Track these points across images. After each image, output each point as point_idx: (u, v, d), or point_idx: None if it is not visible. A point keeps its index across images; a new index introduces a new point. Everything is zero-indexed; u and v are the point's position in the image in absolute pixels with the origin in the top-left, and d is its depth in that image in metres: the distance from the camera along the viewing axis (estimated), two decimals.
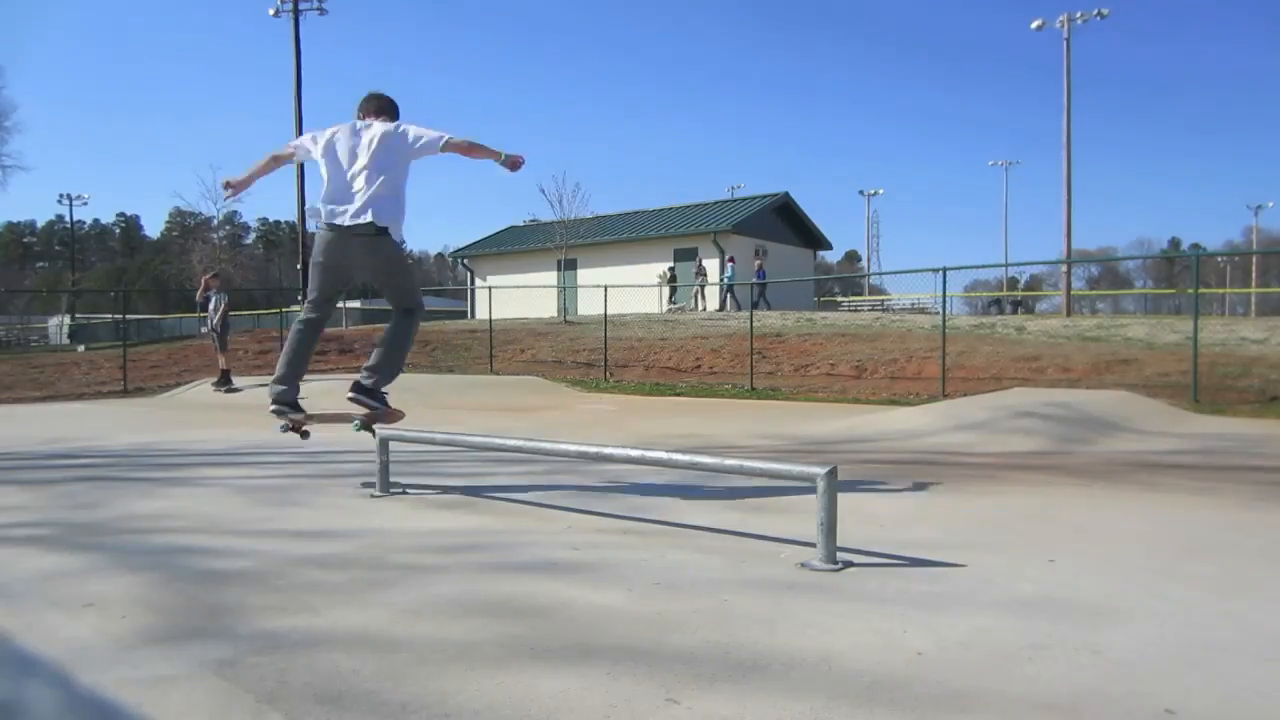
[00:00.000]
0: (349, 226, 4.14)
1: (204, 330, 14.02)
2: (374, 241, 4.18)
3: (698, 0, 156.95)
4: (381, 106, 4.51)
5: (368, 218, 4.11)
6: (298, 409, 4.37)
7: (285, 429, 4.40)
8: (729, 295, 25.72)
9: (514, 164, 4.37)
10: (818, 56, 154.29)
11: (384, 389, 4.43)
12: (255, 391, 13.37)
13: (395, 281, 4.40)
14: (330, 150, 4.28)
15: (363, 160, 4.21)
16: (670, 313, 24.03)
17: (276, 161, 4.55)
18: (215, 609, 2.33)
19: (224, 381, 13.20)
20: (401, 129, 4.31)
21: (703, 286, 26.42)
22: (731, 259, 25.70)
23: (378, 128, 4.31)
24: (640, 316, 21.98)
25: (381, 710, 1.67)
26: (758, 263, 26.34)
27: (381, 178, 4.18)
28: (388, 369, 4.41)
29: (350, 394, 4.41)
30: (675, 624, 2.20)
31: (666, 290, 26.11)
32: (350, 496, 4.15)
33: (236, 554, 2.95)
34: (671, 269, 26.91)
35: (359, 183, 4.19)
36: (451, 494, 4.22)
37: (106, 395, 13.95)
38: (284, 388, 4.33)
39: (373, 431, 4.31)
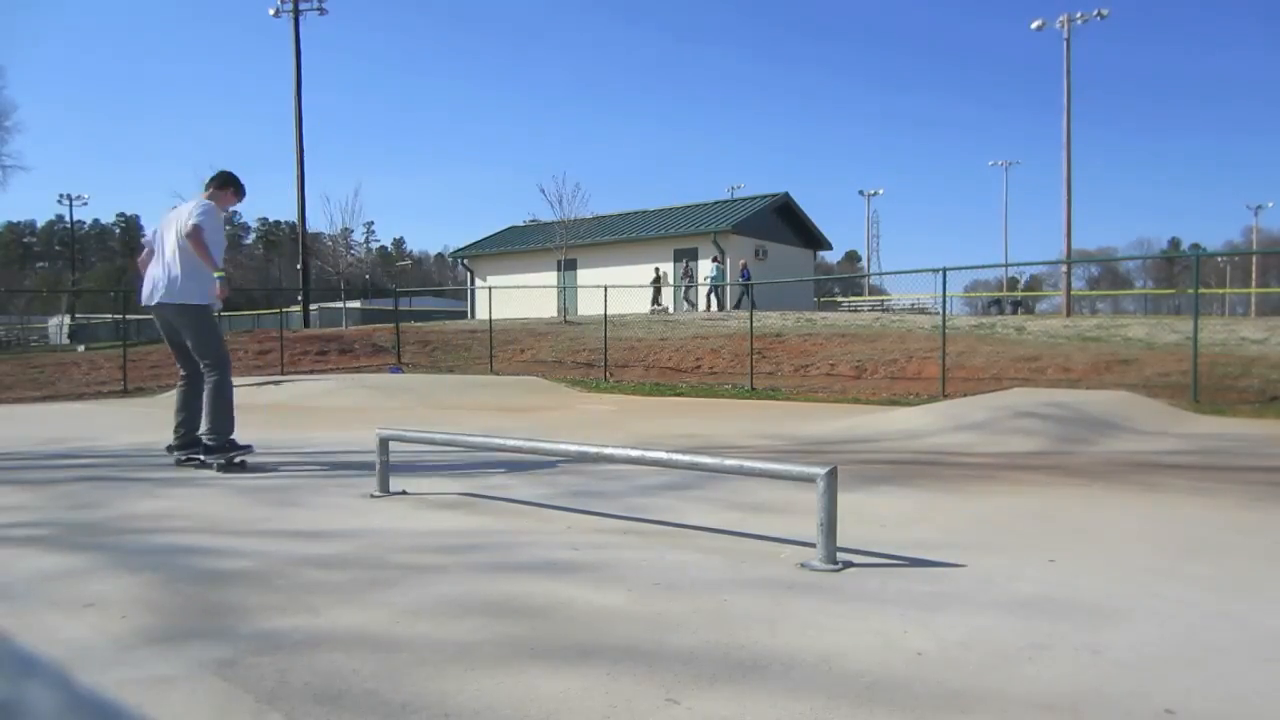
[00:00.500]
0: (156, 305, 5.05)
1: None
2: (175, 310, 5.03)
3: (698, 1, 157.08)
4: (212, 182, 5.25)
5: (164, 298, 5.01)
6: (195, 446, 5.12)
7: (180, 461, 5.19)
8: (712, 295, 25.79)
9: (220, 290, 4.96)
10: (817, 56, 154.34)
11: (229, 437, 5.06)
12: (250, 391, 13.36)
13: (198, 343, 5.08)
14: (158, 235, 5.14)
15: (169, 244, 5.04)
16: (653, 314, 24.06)
17: (145, 265, 5.21)
18: (215, 609, 2.33)
19: None
20: (189, 210, 4.96)
21: (688, 288, 26.43)
22: (715, 259, 25.75)
23: (182, 210, 5.03)
24: (640, 317, 22.01)
25: (381, 710, 1.67)
26: (742, 262, 26.37)
27: (178, 259, 4.98)
28: (221, 423, 5.03)
29: (203, 457, 5.06)
30: (675, 624, 2.20)
31: (650, 292, 26.13)
32: (350, 496, 4.15)
33: (236, 554, 2.95)
34: (657, 270, 26.89)
35: (162, 264, 5.04)
36: (451, 494, 4.22)
37: (106, 395, 13.96)
38: (184, 431, 5.17)
39: (240, 465, 5.05)
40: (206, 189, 5.21)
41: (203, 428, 5.03)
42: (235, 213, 65.94)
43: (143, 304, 5.13)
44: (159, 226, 5.18)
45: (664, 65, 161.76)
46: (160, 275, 5.03)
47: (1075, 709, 1.69)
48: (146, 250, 5.20)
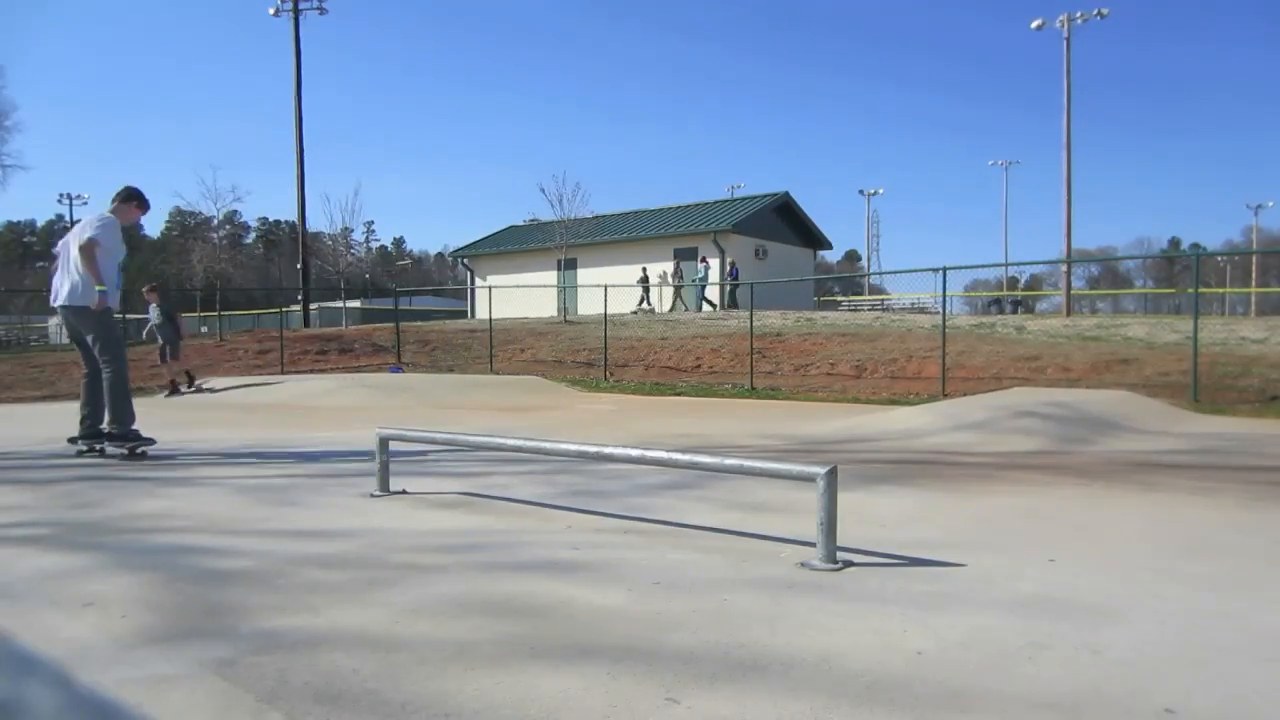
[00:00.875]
0: (60, 306, 5.50)
1: (145, 336, 14.29)
2: (76, 311, 5.46)
3: (699, 1, 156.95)
4: (117, 196, 5.66)
5: (66, 301, 5.43)
6: (98, 437, 5.58)
7: (81, 451, 5.60)
8: (704, 296, 25.64)
9: (99, 301, 5.32)
10: (818, 56, 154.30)
11: (131, 427, 5.49)
12: (250, 390, 13.37)
13: (98, 340, 5.48)
14: (65, 243, 5.58)
15: (72, 252, 5.43)
16: (639, 314, 23.94)
17: (55, 272, 5.65)
18: (215, 608, 2.33)
19: (188, 382, 13.53)
20: (89, 223, 5.43)
21: (678, 288, 26.29)
22: (704, 260, 25.72)
23: (83, 223, 5.49)
24: (640, 316, 21.99)
25: (381, 710, 1.67)
26: (730, 261, 26.30)
27: (74, 266, 5.42)
28: (121, 414, 5.45)
29: (111, 446, 5.50)
30: (675, 624, 2.20)
31: (639, 291, 25.97)
32: (350, 496, 4.15)
33: (236, 554, 2.95)
34: (644, 270, 26.69)
35: (66, 269, 5.47)
36: (451, 493, 4.22)
37: None
38: (89, 423, 5.58)
39: (142, 455, 5.47)
40: (112, 202, 5.66)
41: (106, 419, 5.49)
42: (235, 212, 66.11)
43: (51, 305, 5.62)
44: (67, 236, 5.64)
45: (664, 64, 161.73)
46: (63, 280, 5.50)
47: (1075, 708, 1.68)
48: (58, 259, 5.66)
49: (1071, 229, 26.97)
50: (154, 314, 13.52)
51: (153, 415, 10.11)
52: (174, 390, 13.37)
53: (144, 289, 13.96)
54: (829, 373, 14.47)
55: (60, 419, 9.42)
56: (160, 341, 13.36)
